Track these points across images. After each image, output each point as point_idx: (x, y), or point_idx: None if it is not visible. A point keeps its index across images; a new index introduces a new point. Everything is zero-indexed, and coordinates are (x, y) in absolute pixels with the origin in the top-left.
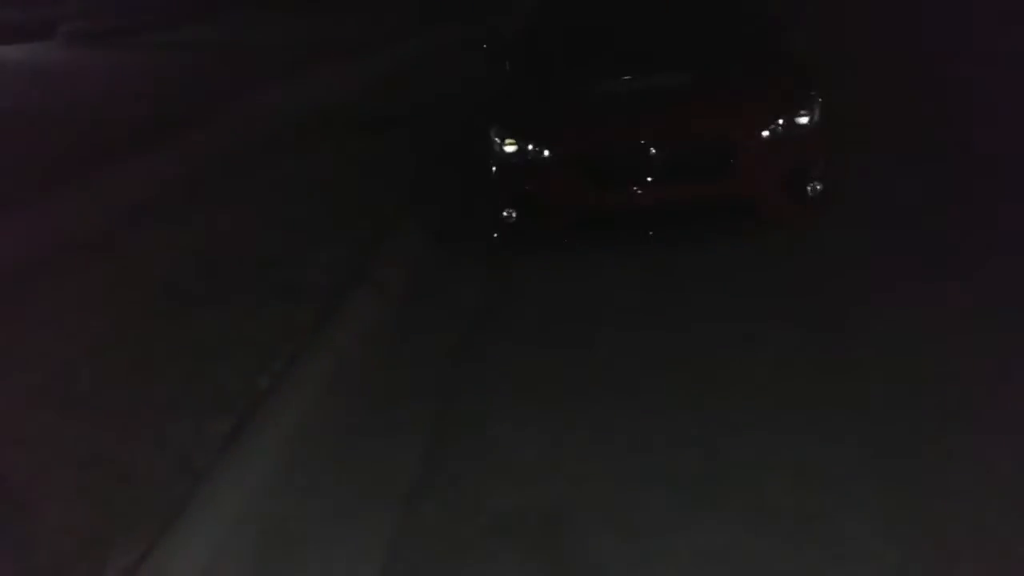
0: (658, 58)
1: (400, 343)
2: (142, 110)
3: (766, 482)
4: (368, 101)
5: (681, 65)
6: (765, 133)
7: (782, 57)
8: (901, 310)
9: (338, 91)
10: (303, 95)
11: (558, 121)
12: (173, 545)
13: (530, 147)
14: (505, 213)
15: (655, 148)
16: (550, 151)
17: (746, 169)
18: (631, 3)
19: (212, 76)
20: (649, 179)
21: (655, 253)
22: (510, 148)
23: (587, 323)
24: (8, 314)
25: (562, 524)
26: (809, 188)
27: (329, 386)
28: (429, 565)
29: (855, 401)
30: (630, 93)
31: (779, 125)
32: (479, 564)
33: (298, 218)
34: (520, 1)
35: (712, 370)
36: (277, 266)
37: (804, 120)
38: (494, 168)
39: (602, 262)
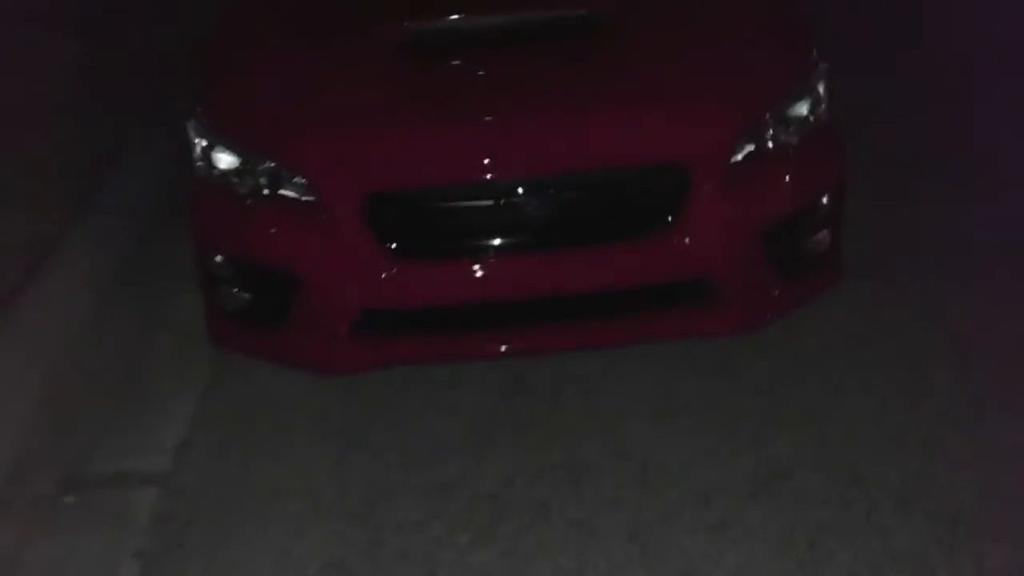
0: None
1: None
2: None
3: None
4: None
5: None
6: (741, 145)
7: None
8: None
9: None
10: None
11: (328, 110)
12: None
13: (267, 165)
14: (222, 290)
15: (527, 184)
16: (311, 179)
17: (701, 217)
18: None
19: None
20: (514, 242)
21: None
22: (225, 162)
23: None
24: None
25: None
26: (810, 244)
27: None
28: None
29: None
30: (474, 50)
31: (762, 126)
32: None
33: None
34: None
35: None
36: None
37: (803, 111)
38: (198, 201)
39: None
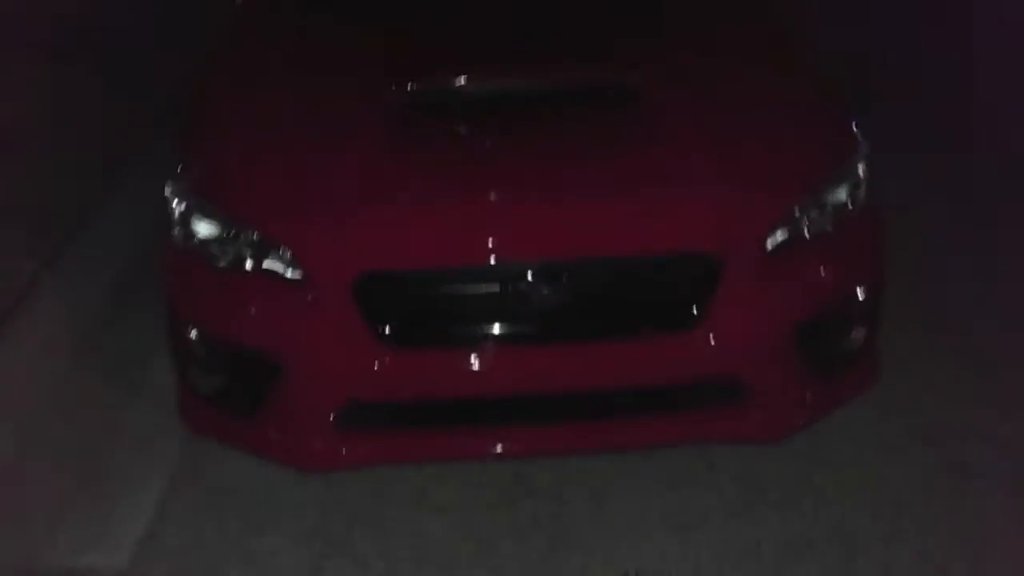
0: (546, 42)
1: None
2: None
3: None
4: None
5: (594, 55)
6: (774, 236)
7: (795, 60)
8: None
9: None
10: None
11: (321, 179)
12: None
13: (253, 237)
14: (195, 370)
15: (537, 269)
16: (299, 254)
17: (729, 312)
18: None
19: None
20: (521, 332)
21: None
22: (205, 231)
23: None
24: None
25: None
26: (846, 342)
27: None
28: None
29: None
30: (486, 118)
31: (798, 213)
32: None
33: None
34: None
35: None
36: None
37: (842, 197)
38: (173, 269)
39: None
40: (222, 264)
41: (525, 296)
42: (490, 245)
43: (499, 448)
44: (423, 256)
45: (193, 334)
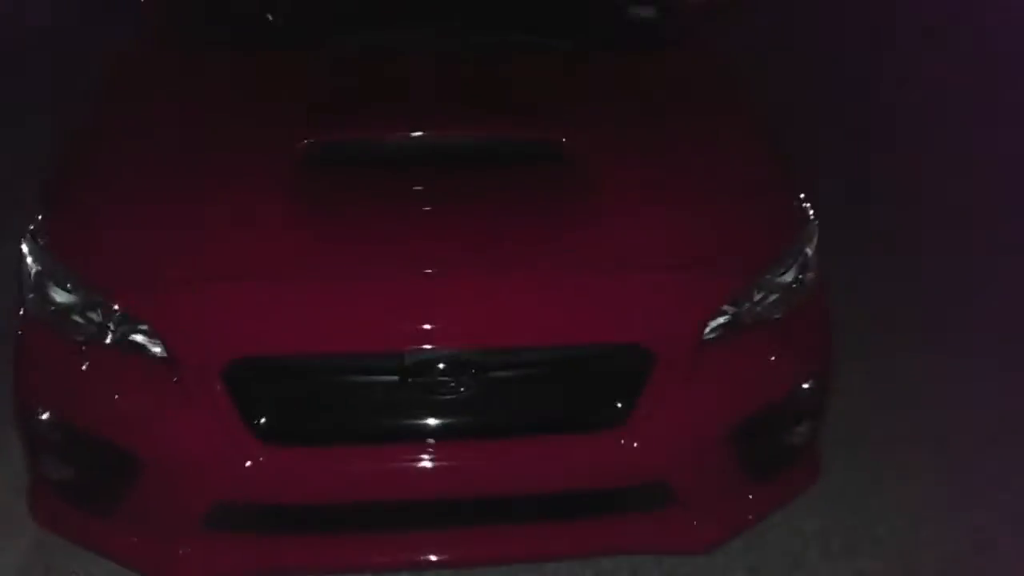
0: (477, 98)
1: None
2: None
3: None
4: None
5: (525, 113)
6: (712, 324)
7: (739, 126)
8: None
9: None
10: None
11: (193, 244)
12: None
13: (113, 308)
14: (43, 468)
15: (442, 359)
16: (159, 331)
17: (659, 409)
18: None
19: None
20: (425, 428)
21: None
22: (63, 296)
23: None
24: None
25: None
26: (790, 438)
27: None
28: None
29: None
30: (394, 179)
31: (741, 297)
32: None
33: None
34: None
35: None
36: None
37: (788, 278)
38: (24, 339)
39: None
40: (78, 337)
41: (431, 388)
42: (389, 330)
43: (401, 558)
44: (307, 340)
45: (43, 415)
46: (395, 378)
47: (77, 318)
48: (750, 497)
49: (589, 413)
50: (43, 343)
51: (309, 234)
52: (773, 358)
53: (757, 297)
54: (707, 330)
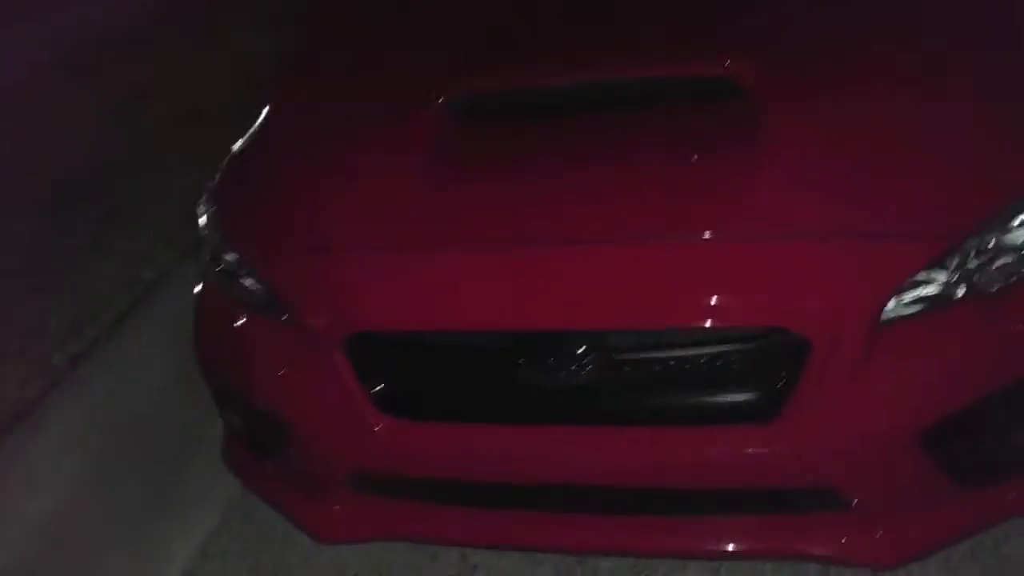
0: (631, 30)
1: None
2: None
3: None
4: None
5: (691, 43)
6: (901, 300)
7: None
8: None
9: None
10: None
11: (327, 213)
12: None
13: (273, 280)
14: (226, 418)
15: (581, 340)
16: (287, 303)
17: (821, 404)
18: None
19: None
20: (561, 411)
21: None
22: (221, 265)
23: None
24: None
25: None
26: (1010, 442)
27: None
28: None
29: None
30: (543, 127)
31: (950, 260)
32: None
33: None
34: None
35: None
36: None
37: (1019, 239)
38: (200, 300)
39: None
40: (231, 300)
41: (566, 368)
42: (522, 308)
43: (539, 540)
44: (426, 317)
45: (211, 370)
46: (525, 360)
47: (231, 284)
48: (960, 507)
49: (733, 404)
50: (211, 305)
51: (448, 198)
52: (990, 341)
53: (972, 264)
54: (891, 307)
